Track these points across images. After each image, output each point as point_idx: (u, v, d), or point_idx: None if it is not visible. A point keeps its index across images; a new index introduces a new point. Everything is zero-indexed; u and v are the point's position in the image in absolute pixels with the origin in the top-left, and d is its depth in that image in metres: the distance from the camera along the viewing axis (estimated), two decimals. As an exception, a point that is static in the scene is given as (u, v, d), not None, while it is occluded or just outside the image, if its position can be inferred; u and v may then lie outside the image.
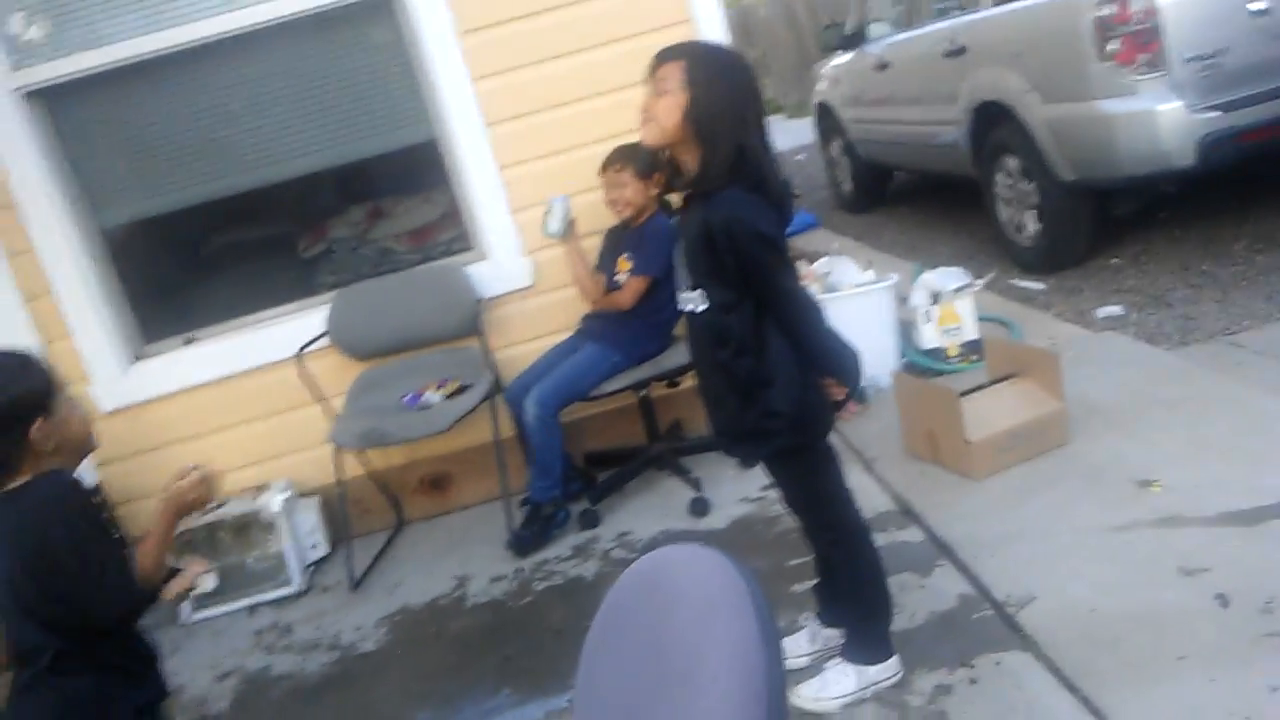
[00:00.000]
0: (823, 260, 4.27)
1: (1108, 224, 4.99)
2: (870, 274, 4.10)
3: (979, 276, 4.35)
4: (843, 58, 7.13)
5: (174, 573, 1.94)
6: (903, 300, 4.15)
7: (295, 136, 3.73)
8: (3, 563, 1.74)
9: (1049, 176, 4.65)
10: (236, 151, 3.73)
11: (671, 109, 1.99)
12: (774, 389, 2.11)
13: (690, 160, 2.04)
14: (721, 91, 1.99)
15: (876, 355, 3.65)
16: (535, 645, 2.93)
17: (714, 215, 2.01)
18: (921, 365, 3.99)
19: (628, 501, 3.63)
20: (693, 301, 2.15)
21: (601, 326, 3.56)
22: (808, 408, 2.14)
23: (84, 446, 1.82)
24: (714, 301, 2.10)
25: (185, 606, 3.58)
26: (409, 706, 2.79)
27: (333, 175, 3.86)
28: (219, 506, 3.65)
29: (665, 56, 2.04)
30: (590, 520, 3.52)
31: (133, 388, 3.71)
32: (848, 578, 2.31)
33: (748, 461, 2.32)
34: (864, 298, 3.93)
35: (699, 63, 2.01)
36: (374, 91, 3.73)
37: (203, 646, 3.41)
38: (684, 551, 1.05)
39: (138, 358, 3.79)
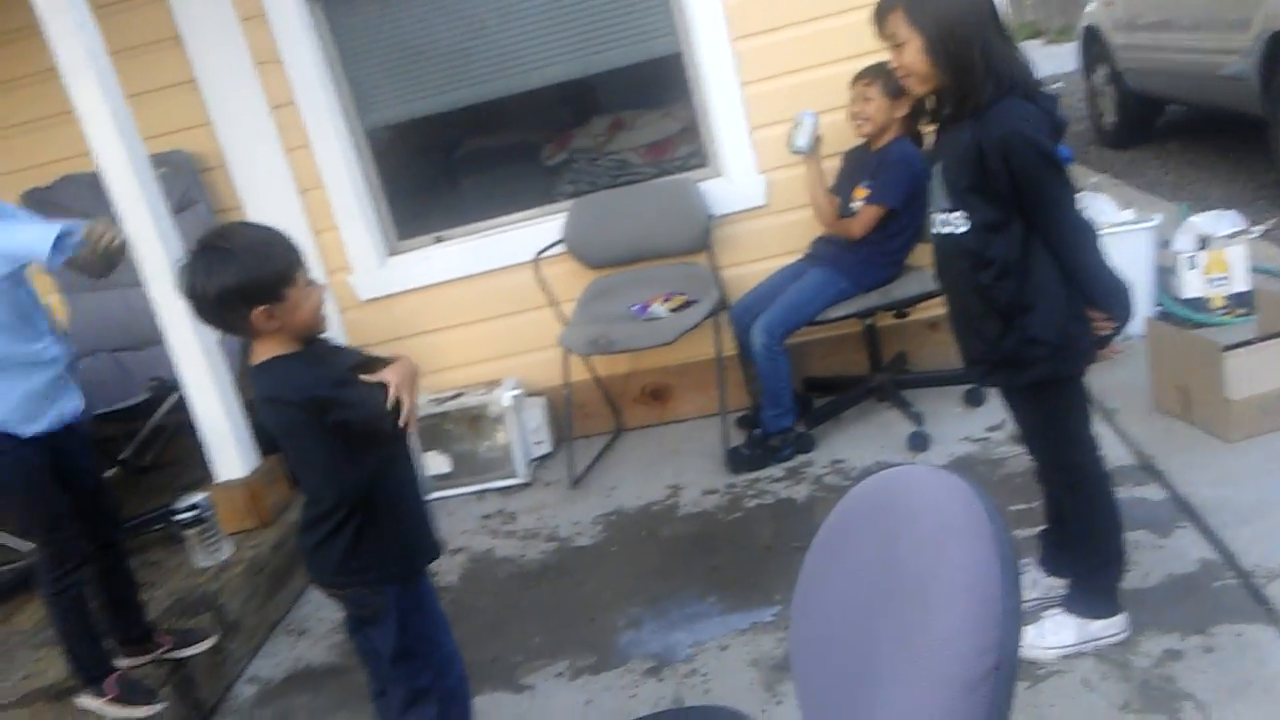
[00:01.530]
0: (1078, 196, 3.99)
1: None
2: (1129, 214, 3.81)
3: (1255, 224, 3.95)
4: (1118, -23, 6.53)
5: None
6: (1164, 244, 3.83)
7: (544, 46, 3.82)
8: (274, 419, 1.93)
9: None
10: (490, 60, 3.87)
11: (915, 56, 1.98)
12: (1036, 315, 2.02)
13: (953, 89, 1.98)
14: (952, 16, 1.95)
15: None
16: (743, 559, 2.98)
17: (989, 130, 1.95)
18: (1179, 315, 3.69)
19: (844, 430, 3.60)
20: (950, 223, 2.08)
21: (832, 251, 3.50)
22: (1070, 338, 2.05)
23: (309, 332, 1.92)
24: (976, 222, 2.03)
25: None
26: (619, 601, 2.92)
27: (578, 86, 3.94)
28: (455, 397, 3.89)
29: (882, 11, 2.02)
30: (805, 444, 3.51)
31: (387, 280, 3.98)
32: (1082, 526, 2.20)
33: (1009, 386, 2.20)
34: (1121, 238, 3.64)
35: (913, 2, 1.97)
36: (621, 3, 3.76)
37: (437, 524, 3.68)
38: (921, 471, 1.03)
39: (392, 253, 4.06)
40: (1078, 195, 2.06)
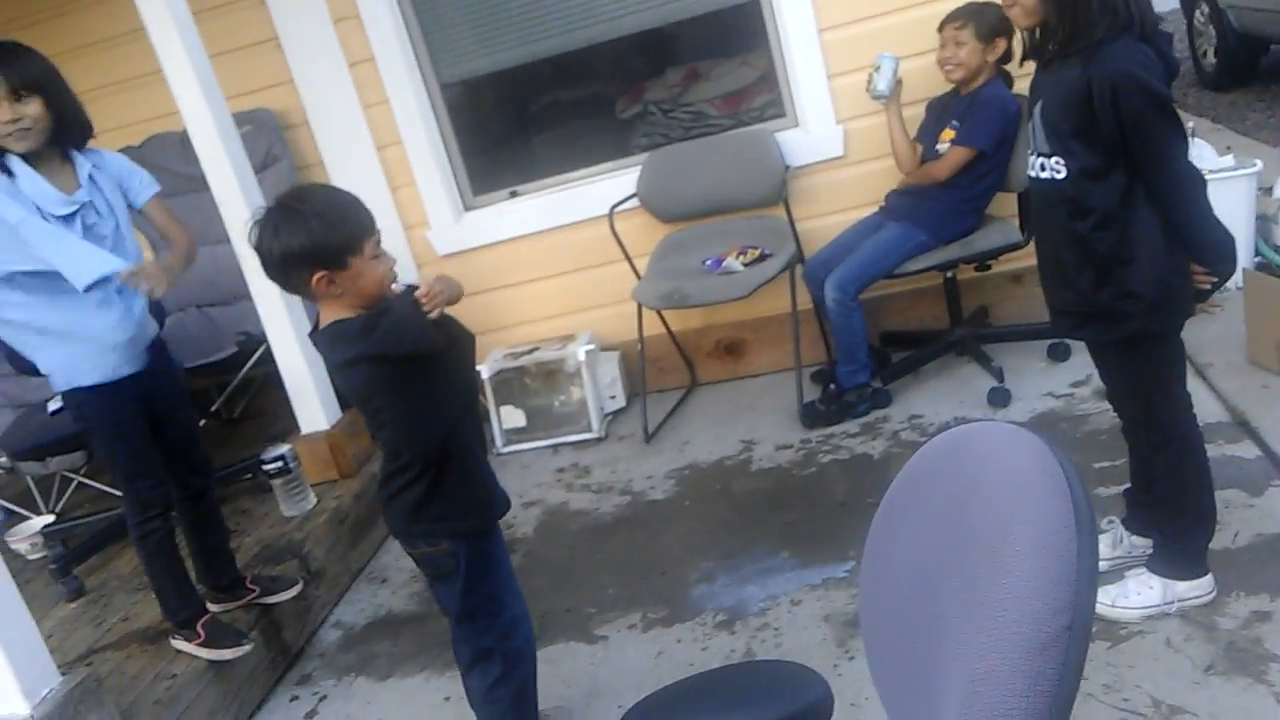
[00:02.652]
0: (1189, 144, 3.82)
1: None
2: (1229, 159, 3.63)
3: (1367, 169, 3.74)
4: (1223, -91, 6.18)
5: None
6: (1265, 191, 3.66)
7: (620, -4, 3.78)
8: (343, 383, 1.97)
9: None
10: (564, 11, 3.84)
11: None
12: (1135, 268, 1.95)
13: (1063, 24, 1.89)
14: None
15: (1225, 251, 3.26)
16: (817, 514, 2.97)
17: (1098, 70, 1.86)
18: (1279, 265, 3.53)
19: (922, 385, 3.54)
20: (1049, 169, 2.01)
21: (908, 204, 3.41)
22: (1170, 292, 1.97)
23: (371, 302, 1.89)
24: (1076, 168, 1.96)
25: (499, 438, 3.91)
26: (692, 554, 2.93)
27: (653, 37, 3.89)
28: (531, 351, 3.93)
29: None
30: (881, 399, 3.47)
31: (463, 235, 4.02)
32: (1171, 484, 2.13)
33: (1101, 340, 2.12)
34: (1219, 184, 3.47)
35: None
36: (698, -50, 3.70)
37: (512, 476, 3.74)
38: (998, 427, 1.01)
39: (468, 208, 4.09)
40: (1189, 143, 1.97)
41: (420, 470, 1.95)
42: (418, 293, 1.85)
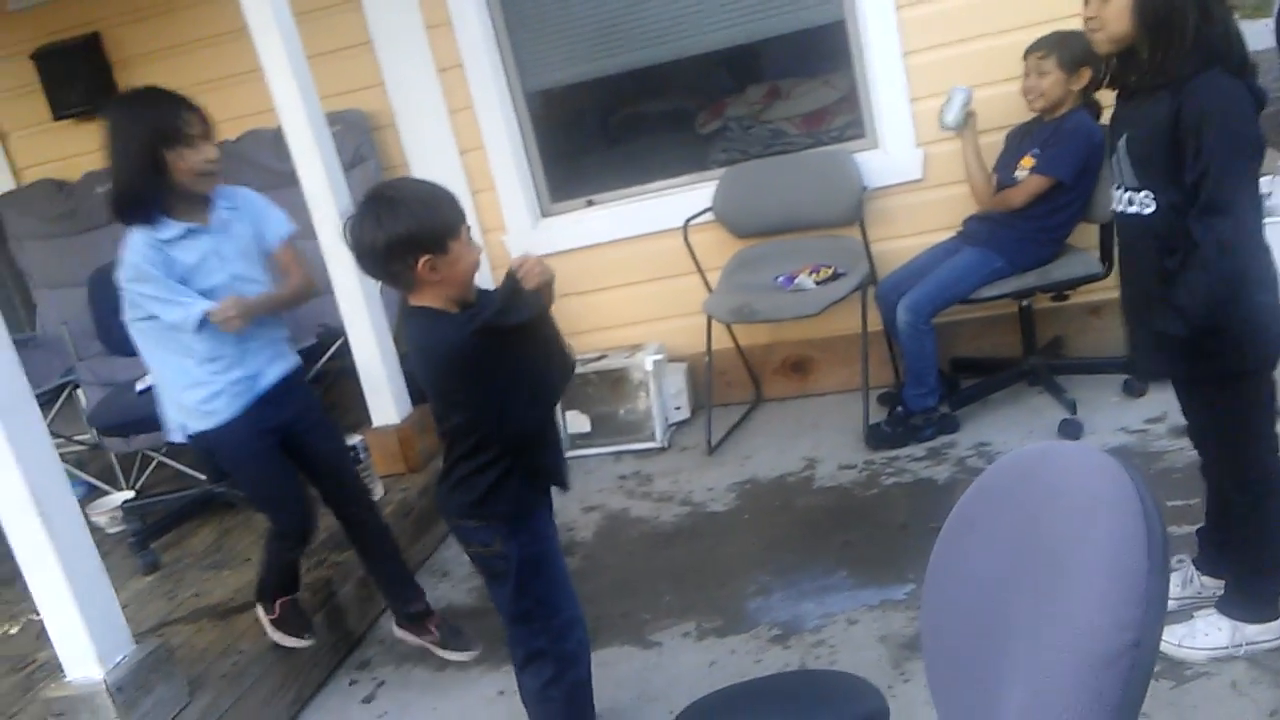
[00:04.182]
0: (1265, 179, 3.74)
1: None
2: (1319, 200, 3.54)
3: None
4: (1328, -56, 6.02)
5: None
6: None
7: (706, 13, 3.82)
8: (424, 371, 2.00)
9: None
10: (649, 26, 3.89)
11: (1118, 11, 1.86)
12: (1231, 302, 1.91)
13: (1152, 53, 1.86)
14: None
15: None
16: (877, 536, 2.96)
17: (1189, 102, 1.82)
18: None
19: (991, 413, 3.50)
20: (1136, 203, 1.98)
21: (986, 229, 3.39)
22: (1260, 329, 1.93)
23: (464, 290, 1.96)
24: (1165, 203, 1.92)
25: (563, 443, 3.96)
26: (750, 568, 2.94)
27: (737, 53, 3.92)
28: (599, 359, 3.97)
29: None
30: (949, 425, 3.44)
31: (539, 241, 4.07)
32: (1249, 527, 2.08)
33: (1188, 378, 2.09)
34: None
35: None
36: (785, -31, 3.72)
37: (574, 481, 3.74)
38: (1070, 446, 1.01)
39: (544, 214, 4.16)
40: (1261, 191, 1.94)
41: (495, 456, 1.98)
42: (514, 265, 1.91)
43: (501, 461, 1.99)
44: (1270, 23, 7.07)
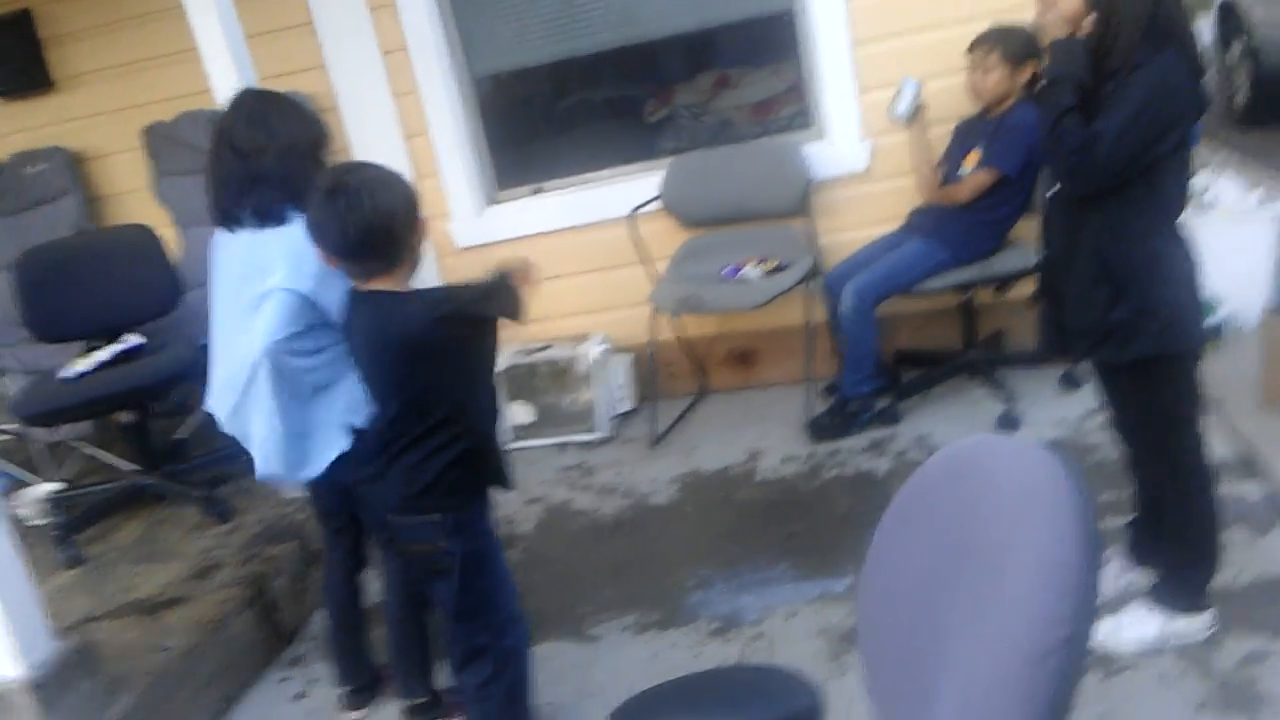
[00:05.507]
0: (1199, 175, 3.81)
1: None
2: (1255, 196, 3.62)
3: (1394, 216, 3.70)
4: (1263, -51, 6.16)
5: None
6: (1290, 233, 3.63)
7: None
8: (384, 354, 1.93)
9: None
10: (599, 11, 3.85)
11: None
12: (1151, 283, 1.94)
13: (1102, 41, 1.88)
14: None
15: (1246, 289, 3.25)
16: (819, 528, 2.96)
17: (1136, 73, 1.84)
18: (1300, 309, 3.50)
19: (932, 405, 3.53)
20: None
21: (931, 222, 3.41)
22: (1183, 310, 1.96)
23: (415, 266, 1.93)
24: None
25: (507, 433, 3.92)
26: (691, 561, 2.93)
27: (685, 41, 3.90)
28: (543, 349, 3.93)
29: None
30: (890, 417, 3.46)
31: (485, 229, 4.03)
32: (1178, 518, 2.11)
33: (1115, 360, 2.08)
34: (1243, 222, 3.47)
35: None
36: (734, -43, 3.70)
37: (517, 472, 3.72)
38: (1009, 440, 1.00)
39: (491, 202, 4.10)
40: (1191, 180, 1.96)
41: (448, 439, 1.93)
42: (512, 263, 1.92)
43: (454, 446, 1.93)
44: (1210, 19, 7.23)
